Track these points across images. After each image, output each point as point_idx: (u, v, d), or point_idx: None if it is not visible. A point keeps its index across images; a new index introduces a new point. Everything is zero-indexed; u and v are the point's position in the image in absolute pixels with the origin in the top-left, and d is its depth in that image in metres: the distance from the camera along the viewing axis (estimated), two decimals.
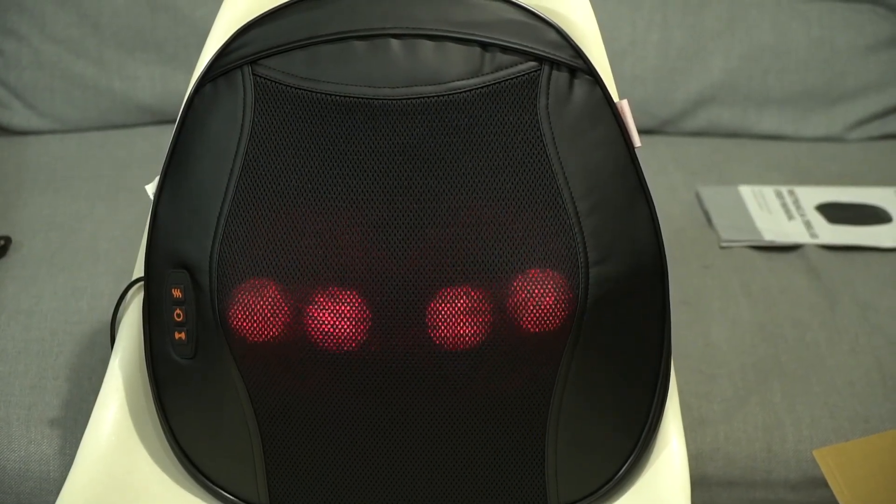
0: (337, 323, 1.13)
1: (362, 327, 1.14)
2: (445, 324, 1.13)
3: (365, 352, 1.14)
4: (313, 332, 1.14)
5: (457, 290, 1.13)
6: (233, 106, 1.13)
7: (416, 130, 1.11)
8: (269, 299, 1.14)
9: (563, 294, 1.12)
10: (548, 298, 1.12)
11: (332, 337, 1.14)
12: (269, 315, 1.14)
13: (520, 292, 1.12)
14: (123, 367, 1.22)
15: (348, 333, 1.14)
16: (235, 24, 1.17)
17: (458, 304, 1.13)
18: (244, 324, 1.14)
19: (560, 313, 1.12)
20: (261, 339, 1.14)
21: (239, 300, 1.14)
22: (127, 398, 1.21)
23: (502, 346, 1.13)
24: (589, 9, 1.22)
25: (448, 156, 1.12)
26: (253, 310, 1.14)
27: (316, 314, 1.14)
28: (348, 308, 1.13)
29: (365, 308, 1.13)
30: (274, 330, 1.14)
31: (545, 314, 1.12)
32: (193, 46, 1.94)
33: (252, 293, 1.14)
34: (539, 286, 1.12)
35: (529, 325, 1.13)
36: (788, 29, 2.00)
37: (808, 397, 1.53)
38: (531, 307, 1.12)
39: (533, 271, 1.12)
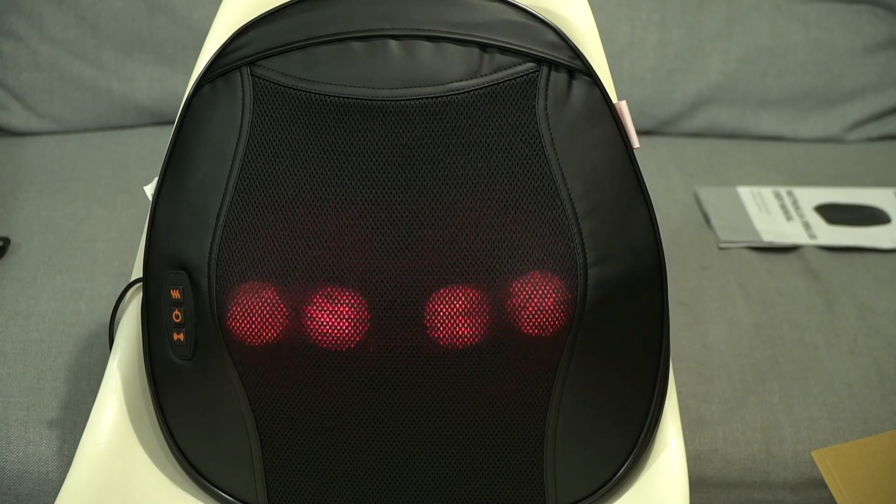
0: (335, 323, 1.13)
1: (361, 328, 1.14)
2: (444, 324, 1.13)
3: (363, 352, 1.14)
4: (312, 333, 1.14)
5: (455, 290, 1.13)
6: (231, 107, 1.13)
7: (414, 131, 1.11)
8: (268, 301, 1.14)
9: (562, 296, 1.12)
10: (547, 300, 1.12)
11: (330, 337, 1.14)
12: (267, 317, 1.14)
13: (520, 294, 1.12)
14: (122, 368, 1.22)
15: (347, 334, 1.14)
16: (234, 26, 1.17)
17: (457, 306, 1.13)
18: (242, 325, 1.14)
19: (559, 315, 1.12)
20: (259, 341, 1.14)
21: (237, 302, 1.14)
22: (125, 399, 1.21)
23: (501, 348, 1.13)
24: (587, 9, 1.22)
25: (446, 157, 1.11)
26: (251, 311, 1.14)
27: (314, 315, 1.13)
28: (346, 309, 1.13)
29: (363, 309, 1.13)
30: (272, 331, 1.14)
31: (545, 316, 1.12)
32: (192, 48, 1.94)
33: (250, 295, 1.14)
34: (539, 288, 1.12)
35: (529, 327, 1.13)
36: (787, 30, 2.00)
37: (807, 398, 1.53)
38: (531, 309, 1.12)
39: (533, 273, 1.12)
